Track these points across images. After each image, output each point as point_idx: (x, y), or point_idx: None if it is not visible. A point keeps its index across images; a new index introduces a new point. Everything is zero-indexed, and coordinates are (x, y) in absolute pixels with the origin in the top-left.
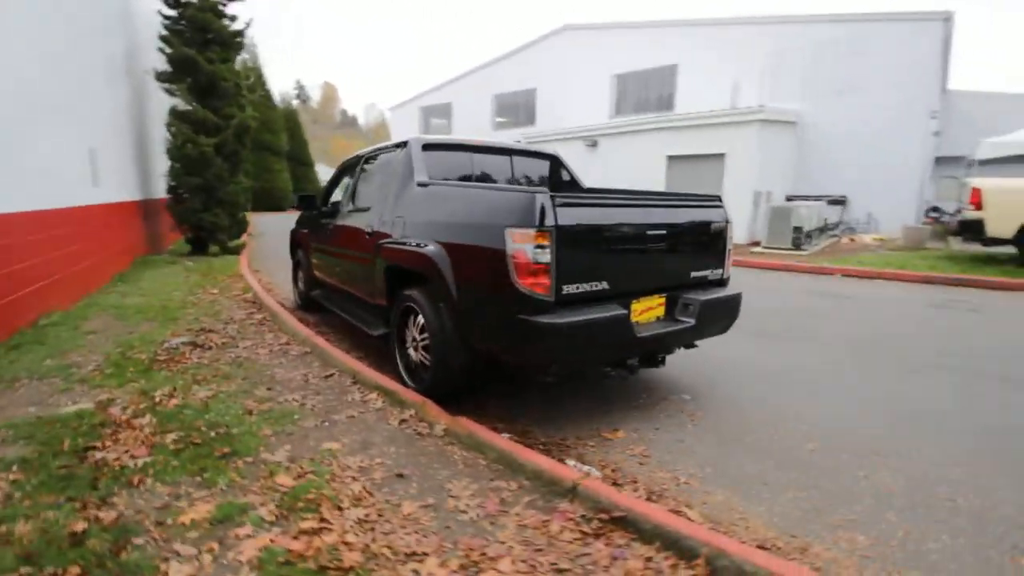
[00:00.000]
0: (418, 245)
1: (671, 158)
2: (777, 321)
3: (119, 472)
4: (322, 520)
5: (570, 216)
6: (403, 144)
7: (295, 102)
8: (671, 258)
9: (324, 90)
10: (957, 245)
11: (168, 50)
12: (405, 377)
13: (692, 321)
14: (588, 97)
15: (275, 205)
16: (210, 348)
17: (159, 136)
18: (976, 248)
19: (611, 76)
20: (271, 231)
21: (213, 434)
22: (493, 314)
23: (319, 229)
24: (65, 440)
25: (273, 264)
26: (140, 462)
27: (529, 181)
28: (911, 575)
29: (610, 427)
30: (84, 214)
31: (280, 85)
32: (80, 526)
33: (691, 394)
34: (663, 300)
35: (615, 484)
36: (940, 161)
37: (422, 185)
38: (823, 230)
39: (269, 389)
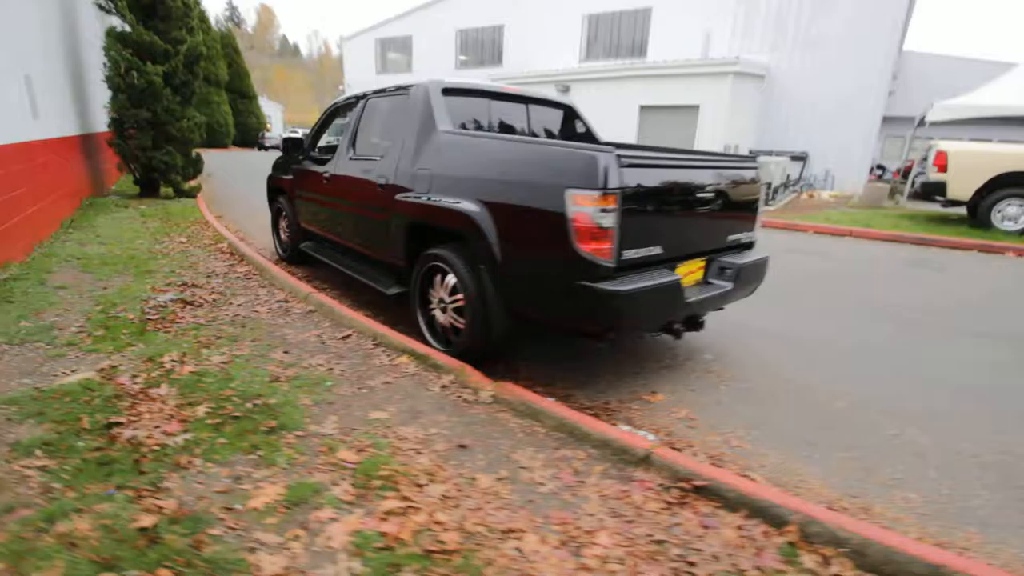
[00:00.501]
0: (455, 202)
1: (644, 108)
2: (771, 278)
3: (161, 452)
4: (404, 498)
5: (633, 177)
6: (413, 87)
7: (227, 25)
8: (715, 221)
9: (260, 14)
10: (910, 204)
11: None
12: (430, 339)
13: (730, 285)
14: (558, 38)
15: (217, 142)
16: (202, 305)
17: (95, 62)
18: (929, 208)
19: (582, 16)
20: (221, 172)
21: (250, 405)
22: (548, 280)
23: (308, 176)
24: (82, 417)
25: (239, 210)
26: (180, 440)
27: (548, 132)
28: (970, 531)
29: (647, 390)
30: (27, 151)
31: (208, 5)
32: (147, 520)
33: (712, 354)
34: (703, 264)
35: (674, 449)
36: (888, 120)
37: (449, 134)
38: (785, 186)
39: (286, 353)
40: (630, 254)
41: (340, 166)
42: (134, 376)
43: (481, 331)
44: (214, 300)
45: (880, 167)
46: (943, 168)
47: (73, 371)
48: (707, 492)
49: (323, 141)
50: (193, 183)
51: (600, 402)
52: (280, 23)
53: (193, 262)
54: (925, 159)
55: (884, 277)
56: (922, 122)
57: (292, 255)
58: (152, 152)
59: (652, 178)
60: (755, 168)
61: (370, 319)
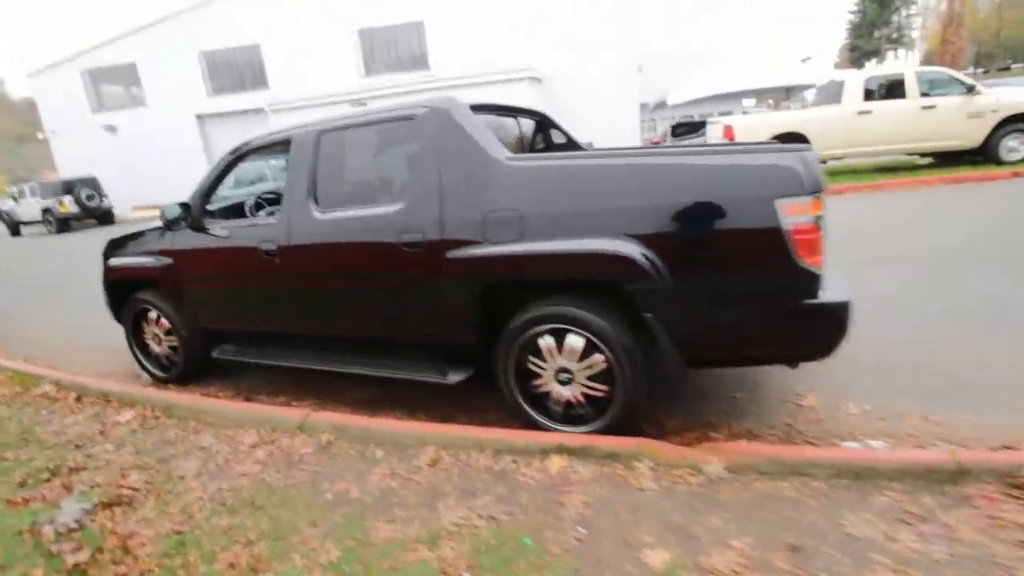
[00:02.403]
0: (591, 243)
1: None
2: None
3: None
4: None
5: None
6: (417, 111)
7: None
8: None
9: None
10: None
11: None
12: (542, 420)
13: None
14: (332, 56)
15: None
16: (138, 501)
17: None
18: None
19: (355, 32)
20: None
21: None
22: (761, 308)
23: (218, 253)
24: None
25: None
26: None
27: (532, 145)
28: None
29: (790, 397)
30: None
31: None
32: None
33: None
34: None
35: (925, 446)
36: (643, 106)
37: (531, 162)
38: None
39: (390, 523)
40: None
41: (299, 228)
42: None
43: (641, 394)
44: (149, 485)
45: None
46: (731, 138)
47: None
48: None
49: (229, 195)
50: None
51: (775, 429)
52: None
53: (29, 435)
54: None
55: None
56: (663, 104)
57: (188, 370)
58: None
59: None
60: None
61: (446, 424)
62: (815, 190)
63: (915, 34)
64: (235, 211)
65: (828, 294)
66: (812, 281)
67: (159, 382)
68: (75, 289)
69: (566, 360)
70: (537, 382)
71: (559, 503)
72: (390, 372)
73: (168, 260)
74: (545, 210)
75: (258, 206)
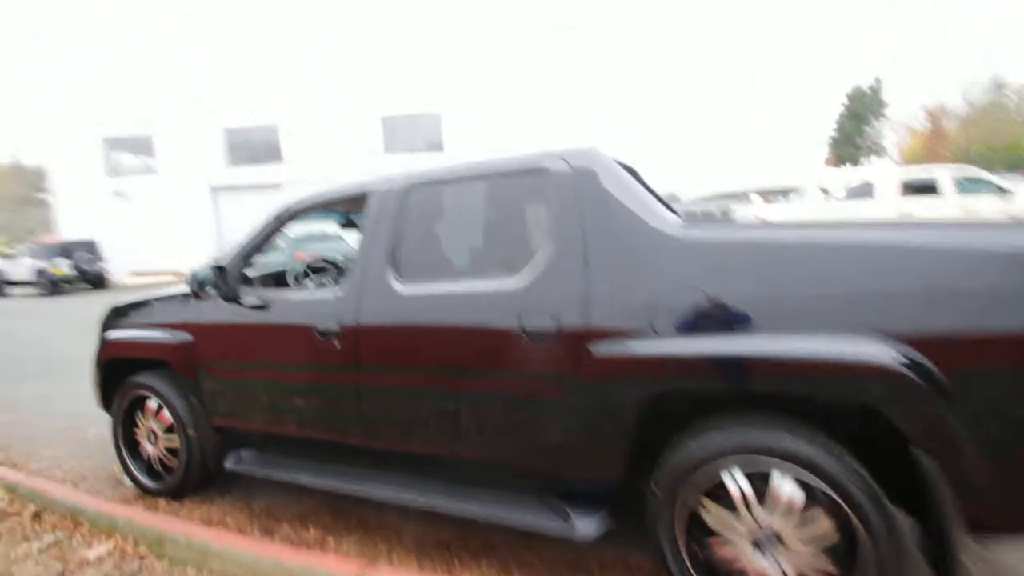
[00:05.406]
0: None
1: None
2: None
3: None
4: None
5: None
6: (549, 163)
7: None
8: None
9: None
10: None
11: None
12: None
13: None
14: (351, 138)
15: None
16: None
17: None
18: None
19: (379, 119)
20: None
21: None
22: None
23: (254, 332)
24: None
25: None
26: None
27: None
28: None
29: None
30: None
31: None
32: None
33: None
34: None
35: None
36: None
37: (699, 230)
38: None
39: None
40: None
41: (372, 304)
42: None
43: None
44: None
45: None
46: None
47: None
48: None
49: (274, 262)
50: None
51: None
52: None
53: None
54: None
55: None
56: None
57: (188, 481)
58: None
59: None
60: None
61: None
62: None
63: (886, 142)
64: (275, 281)
65: None
66: None
67: (146, 494)
68: (47, 360)
69: (773, 515)
70: (720, 548)
71: None
72: (491, 515)
73: (186, 336)
74: (752, 295)
75: (305, 274)
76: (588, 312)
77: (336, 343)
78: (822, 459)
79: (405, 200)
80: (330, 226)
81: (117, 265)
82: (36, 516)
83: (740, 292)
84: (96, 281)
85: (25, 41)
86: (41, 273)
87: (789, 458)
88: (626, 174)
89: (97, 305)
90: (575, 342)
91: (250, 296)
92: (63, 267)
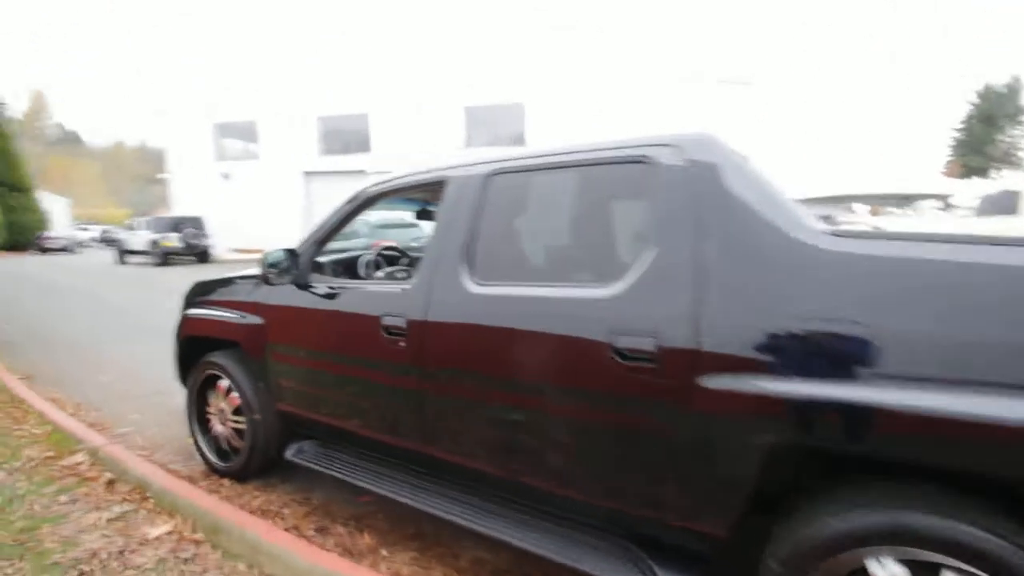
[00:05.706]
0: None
1: None
2: None
3: None
4: None
5: None
6: (660, 149)
7: None
8: None
9: (33, 99)
10: None
11: None
12: None
13: None
14: (435, 128)
15: None
16: None
17: None
18: None
19: (462, 108)
20: None
21: None
22: None
23: (319, 314)
24: None
25: (57, 360)
26: None
27: None
28: None
29: None
30: None
31: None
32: None
33: None
34: None
35: None
36: None
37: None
38: None
39: None
40: None
41: (442, 301)
42: None
43: None
44: None
45: None
46: None
47: None
48: None
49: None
50: None
51: None
52: (52, 110)
53: (30, 539)
54: None
55: None
56: None
57: (251, 465)
58: None
59: None
60: None
61: None
62: None
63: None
64: (346, 269)
65: None
66: None
67: (213, 473)
68: (150, 325)
69: None
70: None
71: None
72: (565, 559)
73: (256, 318)
74: (933, 333)
75: (377, 264)
76: (699, 335)
77: (401, 341)
78: (1015, 559)
79: (485, 189)
80: (410, 214)
81: (221, 240)
82: (110, 484)
83: (916, 327)
84: (201, 255)
85: (148, 34)
86: (154, 244)
87: (967, 556)
88: (756, 169)
89: (198, 277)
90: (679, 369)
91: (319, 283)
92: (173, 240)
